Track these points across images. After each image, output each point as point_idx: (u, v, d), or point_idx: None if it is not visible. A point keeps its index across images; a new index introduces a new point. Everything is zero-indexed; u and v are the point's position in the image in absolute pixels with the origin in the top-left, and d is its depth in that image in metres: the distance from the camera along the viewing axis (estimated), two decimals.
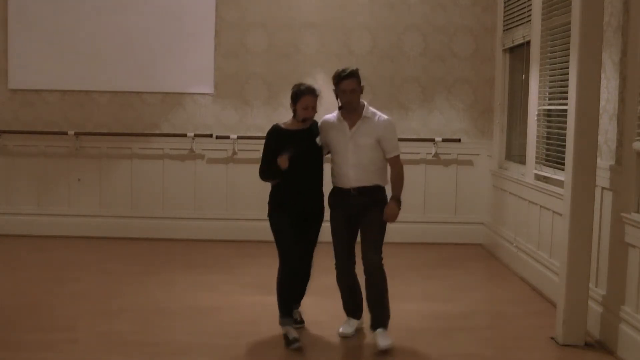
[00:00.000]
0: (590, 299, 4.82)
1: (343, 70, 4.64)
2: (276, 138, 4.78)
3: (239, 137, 7.86)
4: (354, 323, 4.96)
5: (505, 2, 7.40)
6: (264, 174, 4.82)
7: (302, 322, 5.09)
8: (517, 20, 7.00)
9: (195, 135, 7.87)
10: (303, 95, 4.71)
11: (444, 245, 7.81)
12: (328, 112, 4.93)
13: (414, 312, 5.51)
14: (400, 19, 7.86)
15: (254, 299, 5.70)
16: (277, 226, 4.81)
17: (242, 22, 7.86)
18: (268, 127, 5.05)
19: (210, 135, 7.88)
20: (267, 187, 4.95)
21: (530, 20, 6.53)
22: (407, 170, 7.25)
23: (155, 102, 7.95)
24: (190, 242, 7.79)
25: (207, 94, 7.92)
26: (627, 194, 4.53)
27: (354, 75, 4.63)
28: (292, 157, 4.64)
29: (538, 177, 6.29)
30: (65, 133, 7.87)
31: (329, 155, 4.92)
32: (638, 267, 4.39)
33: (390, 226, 4.80)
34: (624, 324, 4.51)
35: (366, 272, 4.68)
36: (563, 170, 5.07)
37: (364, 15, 7.86)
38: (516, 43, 7.05)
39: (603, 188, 4.83)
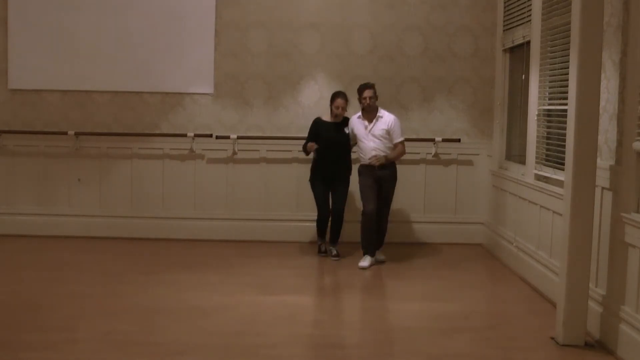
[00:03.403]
0: (590, 299, 4.82)
1: (364, 84, 6.87)
2: (316, 125, 7.06)
3: (239, 137, 7.86)
4: (368, 259, 6.83)
5: (505, 2, 7.40)
6: (303, 148, 7.11)
7: (326, 252, 7.16)
8: (517, 20, 7.00)
9: (195, 135, 7.87)
10: (336, 98, 6.94)
11: (444, 245, 7.81)
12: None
13: (414, 312, 5.52)
14: (400, 19, 7.86)
15: (254, 299, 5.71)
16: (314, 186, 7.11)
17: (242, 22, 7.86)
18: (268, 127, 7.94)
19: (210, 135, 7.88)
20: (267, 187, 7.92)
21: (530, 20, 6.53)
22: (407, 170, 7.72)
23: (155, 102, 7.94)
24: (190, 242, 7.79)
25: (207, 94, 7.92)
26: (627, 194, 4.53)
27: (370, 87, 6.84)
28: (324, 141, 6.92)
29: (538, 177, 6.28)
30: (65, 133, 7.87)
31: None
32: (638, 267, 4.39)
33: (391, 226, 7.20)
34: (624, 324, 4.51)
35: (379, 218, 6.88)
36: (563, 170, 5.07)
37: (364, 15, 7.86)
38: (516, 43, 7.05)
39: (603, 188, 4.83)
